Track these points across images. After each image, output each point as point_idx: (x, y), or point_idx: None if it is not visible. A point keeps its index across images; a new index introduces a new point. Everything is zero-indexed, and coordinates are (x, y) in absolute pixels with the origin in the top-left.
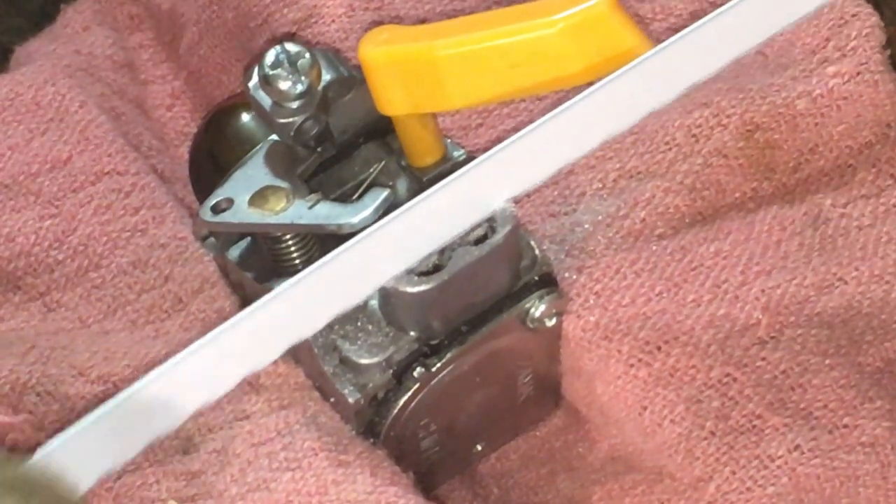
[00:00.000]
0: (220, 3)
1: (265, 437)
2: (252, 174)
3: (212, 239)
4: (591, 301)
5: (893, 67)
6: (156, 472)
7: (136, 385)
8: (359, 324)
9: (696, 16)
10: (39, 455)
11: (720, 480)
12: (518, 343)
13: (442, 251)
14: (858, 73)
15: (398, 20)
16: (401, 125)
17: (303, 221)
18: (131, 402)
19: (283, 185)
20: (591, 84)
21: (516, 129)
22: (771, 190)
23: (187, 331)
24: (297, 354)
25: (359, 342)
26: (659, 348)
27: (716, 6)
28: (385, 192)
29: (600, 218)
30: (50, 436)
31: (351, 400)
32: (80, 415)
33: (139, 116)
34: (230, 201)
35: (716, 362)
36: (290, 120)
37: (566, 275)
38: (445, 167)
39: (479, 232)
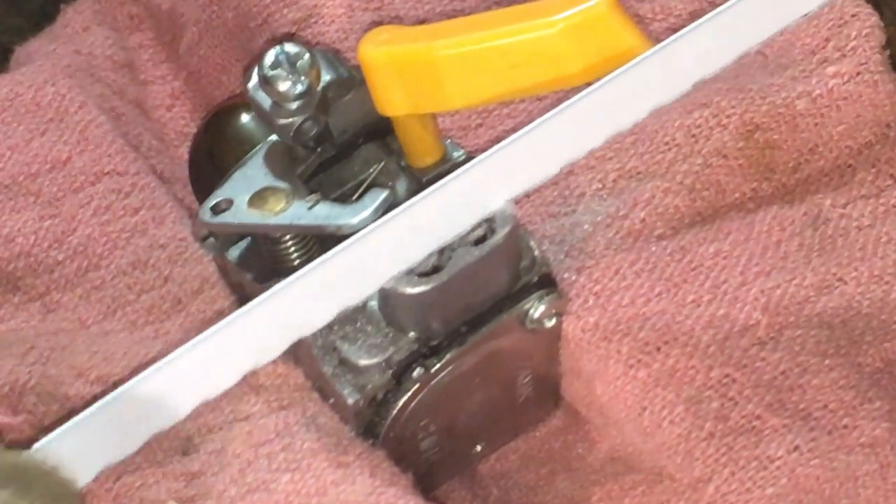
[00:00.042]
0: (220, 4)
1: (264, 438)
2: (251, 175)
3: (211, 239)
4: (591, 302)
5: (893, 68)
6: (155, 472)
7: (134, 380)
8: (358, 325)
9: (695, 16)
10: (37, 448)
11: (719, 481)
12: (517, 344)
13: (441, 252)
14: (858, 74)
15: (398, 20)
16: (400, 125)
17: (302, 222)
18: (129, 398)
19: (283, 185)
20: (590, 84)
21: (516, 130)
22: (771, 190)
23: (187, 331)
24: (297, 355)
25: (358, 343)
26: (658, 349)
27: (715, 6)
28: (384, 193)
29: (600, 218)
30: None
31: (350, 401)
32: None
33: (139, 117)
34: (230, 202)
35: (715, 363)
36: (290, 120)
37: (566, 275)
38: (445, 167)
39: (479, 232)
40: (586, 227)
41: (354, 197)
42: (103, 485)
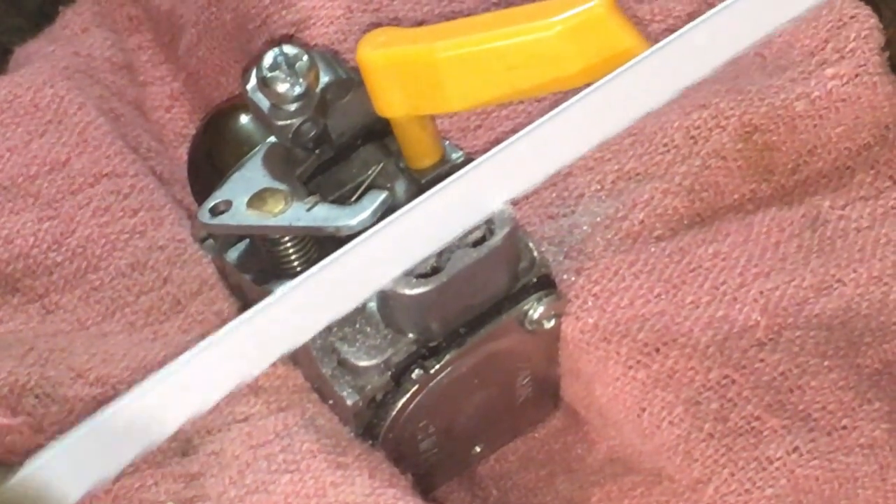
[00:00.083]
0: (219, 5)
1: (264, 439)
2: (250, 176)
3: (210, 241)
4: (590, 303)
5: (892, 69)
6: (154, 474)
7: (135, 390)
8: (357, 326)
9: (694, 17)
10: (35, 462)
11: (719, 482)
12: (517, 345)
13: (440, 253)
14: (857, 75)
15: (396, 22)
16: (399, 127)
17: (301, 223)
18: (129, 408)
19: (282, 187)
20: (589, 86)
21: (515, 131)
22: (769, 191)
23: (186, 333)
24: (296, 356)
25: (357, 344)
26: (657, 350)
27: (713, 7)
28: (383, 195)
29: (599, 220)
30: (49, 438)
31: (349, 402)
32: (78, 417)
33: (138, 118)
34: (228, 203)
35: (714, 364)
36: (289, 122)
37: (565, 276)
38: (444, 169)
39: (478, 234)
40: (585, 228)
41: (353, 198)
42: (102, 486)
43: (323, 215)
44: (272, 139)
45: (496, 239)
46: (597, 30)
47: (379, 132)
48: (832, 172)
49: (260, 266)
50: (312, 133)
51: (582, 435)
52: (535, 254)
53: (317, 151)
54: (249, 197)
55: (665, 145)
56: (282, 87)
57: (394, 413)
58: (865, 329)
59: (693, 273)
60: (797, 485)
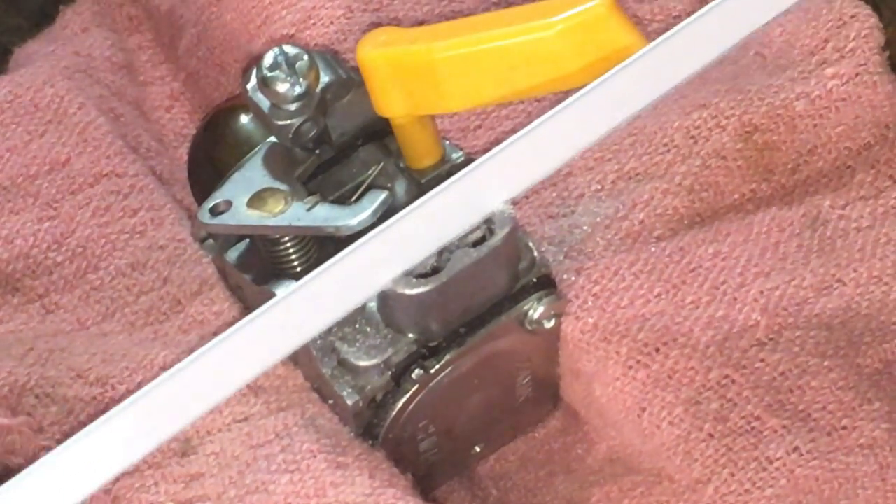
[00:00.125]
0: (219, 5)
1: (263, 440)
2: (250, 176)
3: (210, 241)
4: (590, 303)
5: (892, 69)
6: (154, 474)
7: (137, 395)
8: (357, 326)
9: None
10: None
11: (719, 482)
12: (517, 345)
13: (440, 253)
14: (857, 75)
15: (396, 22)
16: (399, 127)
17: (301, 223)
18: (132, 412)
19: (282, 187)
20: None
21: (515, 131)
22: (769, 191)
23: (186, 333)
24: (296, 356)
25: (357, 344)
26: (657, 350)
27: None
28: (383, 194)
29: (599, 219)
30: (49, 438)
31: (349, 402)
32: (78, 417)
33: (138, 118)
34: (229, 203)
35: (714, 364)
36: (289, 122)
37: (565, 276)
38: (444, 169)
39: (478, 234)
40: (585, 228)
41: (353, 198)
42: (101, 486)
43: (323, 215)
44: (272, 139)
45: (496, 239)
46: (597, 29)
47: (379, 132)
48: (832, 172)
49: (260, 266)
50: (312, 133)
51: (582, 435)
52: (536, 254)
53: (317, 151)
54: (249, 197)
55: (665, 145)
56: (282, 87)
57: (394, 413)
58: (865, 329)
59: (693, 273)
60: (797, 485)
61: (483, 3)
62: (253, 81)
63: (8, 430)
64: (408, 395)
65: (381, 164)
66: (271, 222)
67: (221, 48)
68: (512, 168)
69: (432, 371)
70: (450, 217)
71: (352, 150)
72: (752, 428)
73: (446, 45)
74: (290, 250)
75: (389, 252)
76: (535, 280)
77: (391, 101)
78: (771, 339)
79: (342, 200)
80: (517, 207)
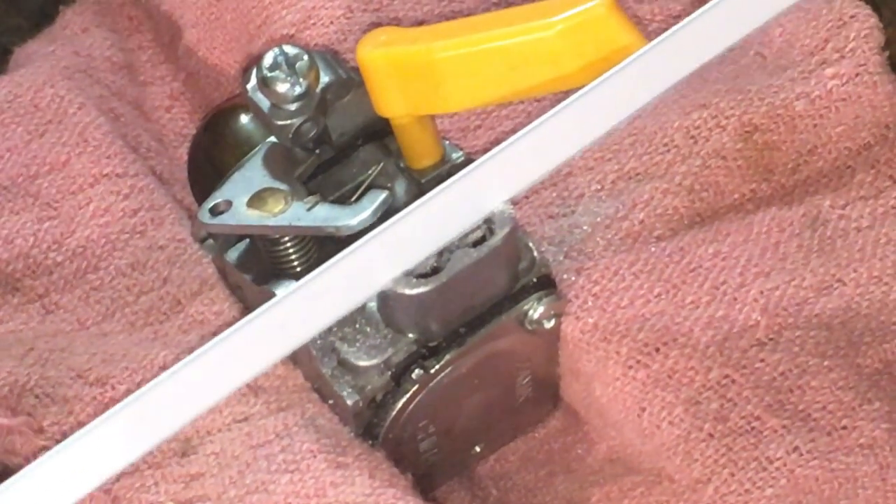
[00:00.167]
0: (219, 5)
1: (264, 440)
2: (250, 176)
3: (210, 241)
4: (590, 303)
5: (892, 69)
6: (154, 474)
7: (137, 394)
8: (357, 326)
9: None
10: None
11: (718, 482)
12: (516, 345)
13: (440, 253)
14: (857, 75)
15: (396, 22)
16: (399, 127)
17: (301, 223)
18: (132, 411)
19: (282, 186)
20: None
21: (515, 131)
22: (769, 191)
23: (186, 333)
24: (296, 356)
25: (357, 344)
26: (657, 350)
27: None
28: (383, 194)
29: (599, 219)
30: (49, 438)
31: (349, 402)
32: (78, 417)
33: (138, 118)
34: (229, 203)
35: (714, 364)
36: (289, 122)
37: (565, 276)
38: (444, 169)
39: (478, 234)
40: (585, 228)
41: (353, 198)
42: (101, 486)
43: (323, 215)
44: (272, 139)
45: (496, 239)
46: (597, 29)
47: (379, 132)
48: (832, 172)
49: (260, 266)
50: (312, 133)
51: (582, 435)
52: (535, 254)
53: (317, 151)
54: (249, 197)
55: (665, 145)
56: (282, 87)
57: (394, 413)
58: (865, 329)
59: (693, 273)
60: (797, 485)
61: (483, 3)
62: (253, 81)
63: (8, 430)
64: (408, 395)
65: (381, 164)
66: (271, 222)
67: (221, 48)
68: (512, 168)
69: (432, 371)
70: (450, 217)
71: (352, 150)
72: (752, 428)
73: (446, 45)
74: (290, 250)
75: (389, 252)
76: (535, 280)
77: (391, 101)
78: (771, 339)
79: (342, 200)
80: (517, 207)
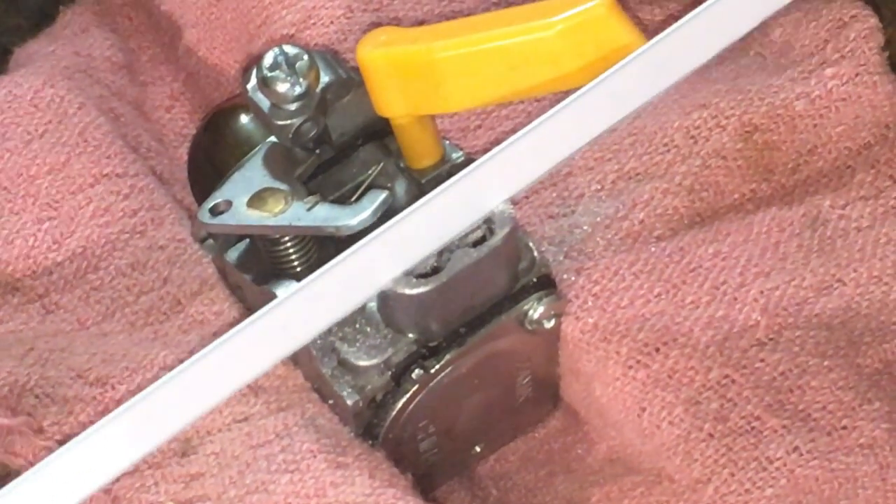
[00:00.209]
0: (219, 5)
1: (264, 440)
2: (250, 176)
3: (210, 241)
4: (590, 303)
5: (892, 69)
6: (154, 474)
7: (140, 396)
8: (357, 326)
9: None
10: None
11: (719, 482)
12: (517, 345)
13: (440, 253)
14: (857, 75)
15: (396, 22)
16: (399, 127)
17: (301, 223)
18: (135, 413)
19: (282, 186)
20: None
21: (515, 131)
22: (769, 191)
23: (186, 333)
24: (296, 356)
25: (357, 344)
26: (657, 350)
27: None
28: (383, 194)
29: (599, 219)
30: (49, 438)
31: (349, 402)
32: (78, 417)
33: (138, 118)
34: (229, 203)
35: (714, 364)
36: (289, 122)
37: (565, 276)
38: (444, 169)
39: (478, 234)
40: (585, 228)
41: (353, 198)
42: (102, 486)
43: (323, 215)
44: (272, 139)
45: (496, 239)
46: (597, 29)
47: (379, 132)
48: (832, 172)
49: (260, 266)
50: (312, 133)
51: (582, 435)
52: (536, 254)
53: (317, 151)
54: (249, 197)
55: (665, 145)
56: (282, 87)
57: (394, 413)
58: (865, 329)
59: (693, 273)
60: (797, 485)
61: (483, 3)
62: (253, 81)
63: (8, 430)
64: (408, 395)
65: (381, 164)
66: (271, 222)
67: (221, 48)
68: (512, 168)
69: (432, 371)
70: (450, 217)
71: (352, 150)
72: (752, 428)
73: (446, 45)
74: (291, 250)
75: (390, 252)
76: (535, 280)
77: (391, 101)
78: (771, 339)
79: (342, 200)
80: (517, 207)
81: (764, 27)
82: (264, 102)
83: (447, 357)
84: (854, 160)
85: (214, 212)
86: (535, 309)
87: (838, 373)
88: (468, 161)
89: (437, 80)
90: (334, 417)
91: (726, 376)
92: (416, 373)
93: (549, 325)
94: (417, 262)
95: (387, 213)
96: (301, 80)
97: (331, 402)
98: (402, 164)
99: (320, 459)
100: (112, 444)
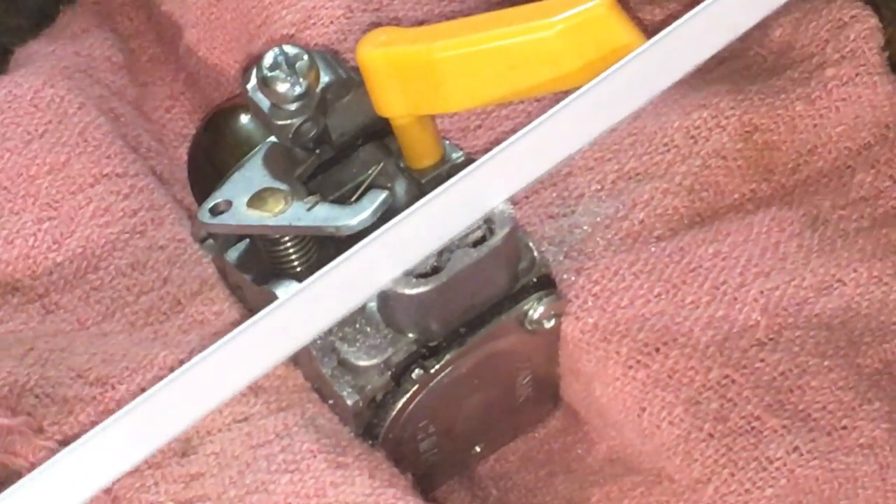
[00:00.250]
0: (219, 5)
1: (264, 440)
2: (250, 176)
3: (210, 241)
4: (590, 303)
5: (892, 69)
6: (154, 474)
7: (142, 397)
8: (357, 326)
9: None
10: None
11: (719, 482)
12: (517, 345)
13: (440, 253)
14: (857, 75)
15: (396, 22)
16: (399, 127)
17: (301, 223)
18: (137, 414)
19: (282, 186)
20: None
21: (515, 131)
22: (769, 191)
23: (186, 333)
24: (296, 356)
25: (357, 344)
26: (657, 350)
27: None
28: (383, 194)
29: (599, 219)
30: (49, 438)
31: (349, 402)
32: (78, 417)
33: (138, 118)
34: (229, 203)
35: (714, 364)
36: (289, 122)
37: (565, 276)
38: (444, 169)
39: (478, 234)
40: (585, 228)
41: (353, 198)
42: (102, 486)
43: (323, 215)
44: (272, 139)
45: (496, 239)
46: (598, 29)
47: (379, 132)
48: (832, 172)
49: (260, 266)
50: (313, 133)
51: (582, 435)
52: (536, 254)
53: (317, 151)
54: (249, 197)
55: (665, 145)
56: (282, 87)
57: (394, 413)
58: (865, 329)
59: (693, 273)
60: (797, 485)
61: (483, 2)
62: (253, 81)
63: (8, 430)
64: (408, 395)
65: (382, 164)
66: (271, 222)
67: (221, 48)
68: (512, 168)
69: (432, 371)
70: (450, 217)
71: (352, 150)
72: (752, 428)
73: (446, 45)
74: (291, 250)
75: (390, 252)
76: (535, 280)
77: (391, 101)
78: (771, 339)
79: (342, 200)
80: (517, 207)
81: (764, 27)
82: (264, 102)
83: (447, 357)
84: (854, 160)
85: (214, 212)
86: (535, 309)
87: (838, 373)
88: (468, 161)
89: (437, 80)
90: (334, 417)
91: (726, 376)
92: (416, 373)
93: (549, 325)
94: (417, 262)
95: (387, 213)
96: (301, 80)
97: (331, 402)
98: (402, 164)
99: (320, 459)
100: (114, 445)
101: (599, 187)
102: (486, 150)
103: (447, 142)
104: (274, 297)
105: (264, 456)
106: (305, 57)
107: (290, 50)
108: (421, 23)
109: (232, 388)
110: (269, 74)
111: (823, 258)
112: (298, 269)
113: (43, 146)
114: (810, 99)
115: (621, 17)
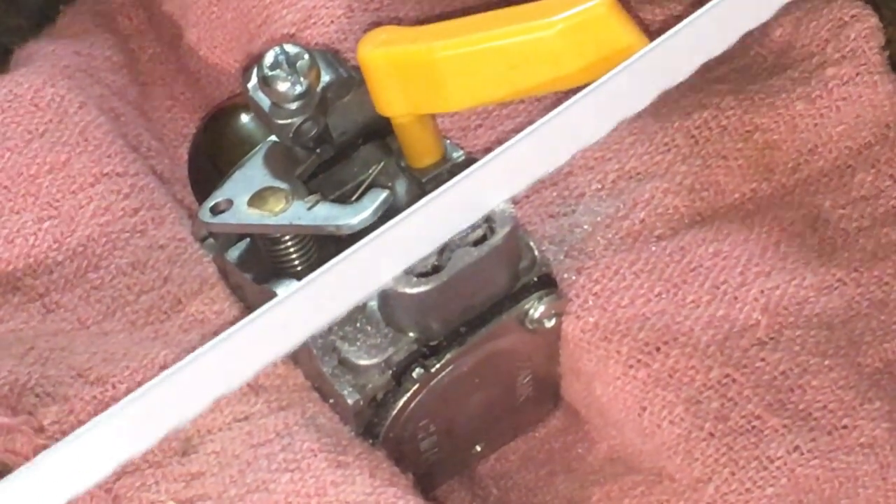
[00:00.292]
0: (220, 5)
1: (264, 439)
2: (251, 175)
3: (211, 240)
4: (591, 302)
5: (893, 68)
6: (155, 473)
7: (138, 392)
8: (358, 325)
9: None
10: (40, 459)
11: (719, 481)
12: (517, 344)
13: (441, 252)
14: (858, 75)
15: (397, 21)
16: (400, 126)
17: (302, 222)
18: (134, 409)
19: (283, 186)
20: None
21: (515, 130)
22: (770, 191)
23: (186, 332)
24: (296, 355)
25: (358, 343)
26: (658, 349)
27: None
28: (384, 194)
29: (599, 219)
30: (49, 437)
31: (350, 401)
32: (78, 416)
33: (138, 117)
34: (229, 202)
35: (715, 363)
36: (289, 121)
37: (565, 276)
38: (444, 168)
39: (479, 233)
40: (586, 227)
41: (354, 197)
42: (102, 485)
43: (324, 214)
44: (273, 138)
45: (497, 238)
46: (598, 29)
47: (380, 131)
48: (833, 171)
49: (260, 265)
50: (313, 132)
51: (582, 434)
52: (536, 253)
53: (317, 150)
54: (250, 196)
55: (666, 144)
56: (283, 86)
57: (394, 412)
58: (866, 328)
59: (694, 272)
60: (798, 484)
61: (483, 2)
62: (253, 80)
63: (8, 429)
64: (408, 394)
65: (382, 164)
66: (272, 221)
67: (222, 48)
68: (513, 167)
69: (433, 370)
70: (451, 216)
71: (352, 150)
72: (753, 427)
73: (447, 45)
74: (291, 249)
75: (390, 251)
76: (535, 279)
77: (392, 101)
78: (772, 339)
79: (343, 199)
80: (518, 206)
81: (764, 27)
82: (265, 101)
83: (448, 356)
84: (854, 160)
85: (215, 211)
86: (536, 308)
87: (839, 372)
88: (469, 160)
89: (437, 79)
90: (335, 416)
91: (727, 375)
92: (417, 372)
93: (549, 324)
94: (418, 261)
95: (387, 213)
96: (302, 79)
97: (331, 401)
98: (402, 164)
99: (321, 458)
100: (110, 440)
101: (600, 186)
102: (487, 150)
103: (448, 141)
104: (274, 297)
105: (265, 455)
106: (306, 56)
107: (290, 49)
108: (421, 23)
109: (230, 384)
110: (270, 74)
111: (824, 258)
112: (299, 268)
113: (43, 145)
114: (811, 98)
115: (621, 16)
